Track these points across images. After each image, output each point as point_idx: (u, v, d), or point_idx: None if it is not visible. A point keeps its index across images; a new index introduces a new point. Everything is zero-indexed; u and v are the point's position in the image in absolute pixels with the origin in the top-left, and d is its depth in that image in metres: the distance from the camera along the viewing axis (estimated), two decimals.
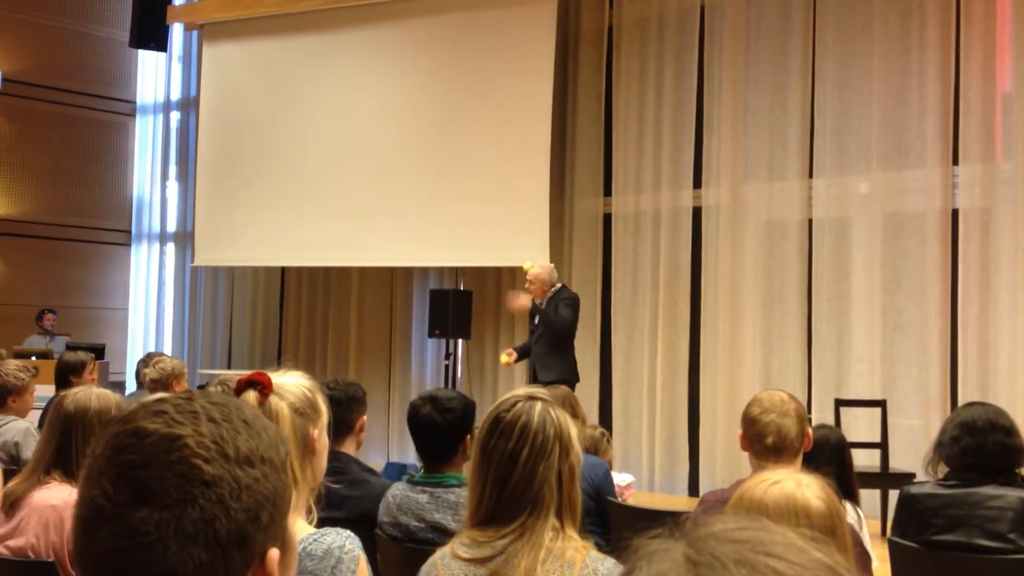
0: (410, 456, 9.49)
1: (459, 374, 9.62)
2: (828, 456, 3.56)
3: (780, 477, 2.03)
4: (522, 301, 7.71)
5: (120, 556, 0.93)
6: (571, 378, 7.37)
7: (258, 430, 1.01)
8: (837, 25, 7.95)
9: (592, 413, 8.35)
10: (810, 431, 3.11)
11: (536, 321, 7.57)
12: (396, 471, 7.77)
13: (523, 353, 7.84)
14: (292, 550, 1.06)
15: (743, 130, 8.37)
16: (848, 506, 3.40)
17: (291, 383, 2.13)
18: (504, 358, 7.81)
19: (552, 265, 7.86)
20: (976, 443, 3.35)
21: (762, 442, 2.98)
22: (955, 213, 7.42)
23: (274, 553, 0.98)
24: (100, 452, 0.98)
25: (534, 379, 7.30)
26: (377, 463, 8.30)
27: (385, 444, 10.30)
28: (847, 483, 3.57)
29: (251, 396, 2.03)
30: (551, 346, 7.45)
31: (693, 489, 8.38)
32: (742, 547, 0.71)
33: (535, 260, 8.67)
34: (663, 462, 8.57)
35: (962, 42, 7.40)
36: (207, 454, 0.96)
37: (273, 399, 2.04)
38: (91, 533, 0.95)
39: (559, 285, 7.69)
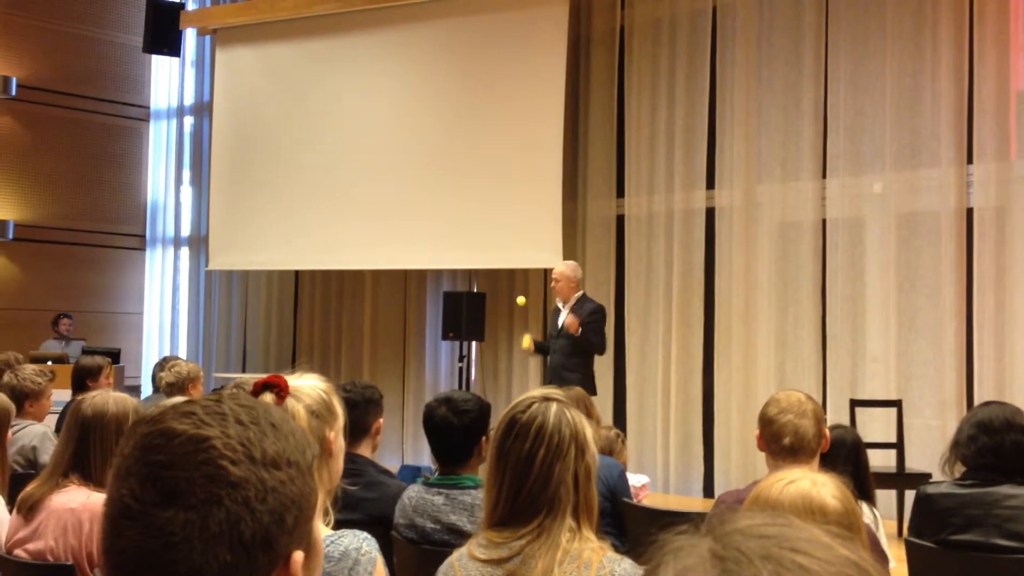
0: (425, 459, 9.50)
1: (473, 376, 9.63)
2: (844, 457, 3.55)
3: (796, 476, 2.03)
4: (527, 346, 7.74)
5: (146, 555, 0.94)
6: (589, 392, 7.38)
7: (285, 433, 1.02)
8: (850, 25, 7.93)
9: (606, 414, 8.35)
10: (827, 432, 3.11)
11: (560, 326, 7.52)
12: (411, 474, 7.79)
13: (542, 349, 7.84)
14: (317, 553, 1.06)
15: (756, 131, 8.36)
16: (864, 507, 3.39)
17: (307, 385, 2.14)
18: (526, 340, 7.73)
19: (575, 263, 7.85)
20: (993, 442, 3.34)
21: (779, 442, 2.98)
22: (970, 212, 7.39)
23: (298, 556, 0.99)
24: (129, 452, 0.99)
25: None
26: (392, 465, 8.31)
27: (400, 447, 10.32)
28: (863, 483, 3.56)
29: (267, 399, 2.03)
30: (571, 359, 7.39)
31: (708, 490, 8.37)
32: (768, 543, 0.71)
33: (548, 263, 8.69)
34: (678, 463, 8.56)
35: (976, 40, 7.37)
36: (234, 456, 0.97)
37: (290, 401, 2.04)
38: (119, 531, 0.96)
39: (581, 291, 7.67)
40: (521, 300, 8.01)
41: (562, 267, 7.64)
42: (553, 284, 7.61)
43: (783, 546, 0.70)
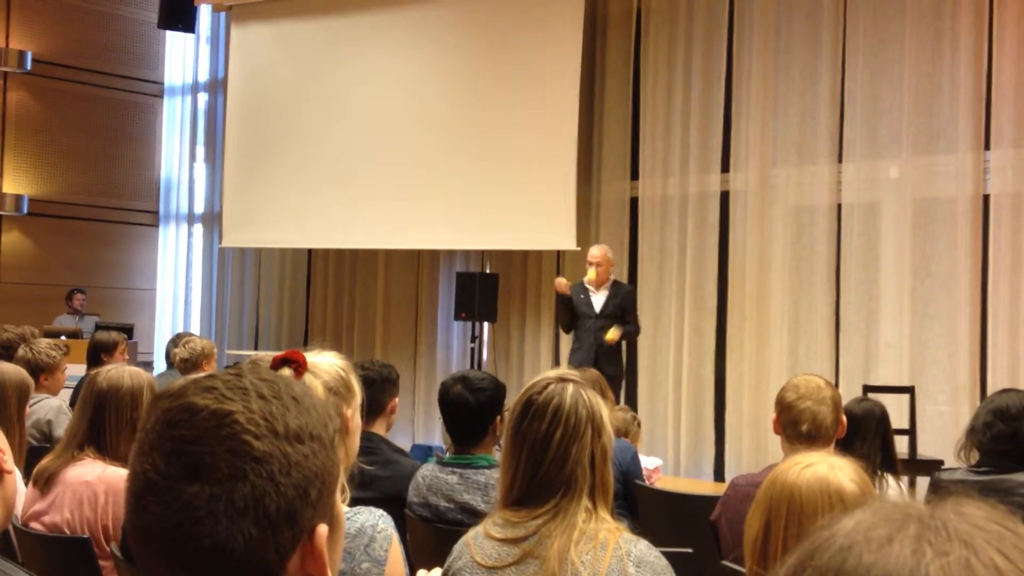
0: (436, 439, 9.52)
1: (485, 357, 9.63)
2: (874, 429, 3.55)
3: (813, 460, 2.02)
4: (564, 286, 7.67)
5: (172, 529, 0.94)
6: (620, 370, 7.68)
7: (307, 407, 1.02)
8: (869, 8, 7.87)
9: (618, 397, 8.34)
10: (844, 419, 3.10)
11: (599, 311, 7.52)
12: (422, 453, 7.81)
13: (567, 317, 7.78)
14: (340, 526, 1.07)
15: (772, 114, 8.31)
16: (890, 479, 3.40)
17: (326, 362, 2.15)
18: (563, 283, 7.68)
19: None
20: (1010, 430, 3.33)
21: (796, 428, 2.97)
22: (986, 199, 7.35)
23: (323, 529, 0.99)
24: (151, 426, 0.99)
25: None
26: (403, 445, 8.33)
27: (411, 426, 10.34)
28: (891, 456, 3.57)
29: (286, 374, 2.03)
30: (611, 351, 7.53)
31: (719, 474, 8.37)
32: (977, 533, 0.68)
33: (561, 245, 8.68)
34: (689, 446, 8.56)
35: (995, 26, 7.32)
36: (257, 430, 0.97)
37: (308, 377, 2.05)
38: (144, 506, 0.96)
39: (612, 276, 7.72)
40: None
41: (600, 251, 7.64)
42: (596, 268, 7.54)
43: (990, 542, 0.68)
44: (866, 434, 3.46)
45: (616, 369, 7.46)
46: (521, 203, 8.96)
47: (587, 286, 7.63)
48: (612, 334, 7.35)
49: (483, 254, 10.07)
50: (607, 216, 9.26)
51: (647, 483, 4.47)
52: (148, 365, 11.03)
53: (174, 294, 12.88)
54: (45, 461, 3.20)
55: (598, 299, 7.56)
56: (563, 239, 8.69)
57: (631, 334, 7.73)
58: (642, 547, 2.04)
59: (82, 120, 12.37)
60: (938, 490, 3.46)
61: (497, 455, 3.11)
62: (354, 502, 2.10)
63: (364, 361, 3.45)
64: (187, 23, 11.69)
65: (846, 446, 3.18)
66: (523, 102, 9.06)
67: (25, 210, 11.91)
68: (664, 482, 6.27)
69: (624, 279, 8.91)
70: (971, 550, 0.67)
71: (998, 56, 7.29)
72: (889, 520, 0.70)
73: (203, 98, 12.75)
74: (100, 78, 12.52)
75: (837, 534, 0.71)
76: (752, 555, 2.00)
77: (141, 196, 12.88)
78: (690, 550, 2.93)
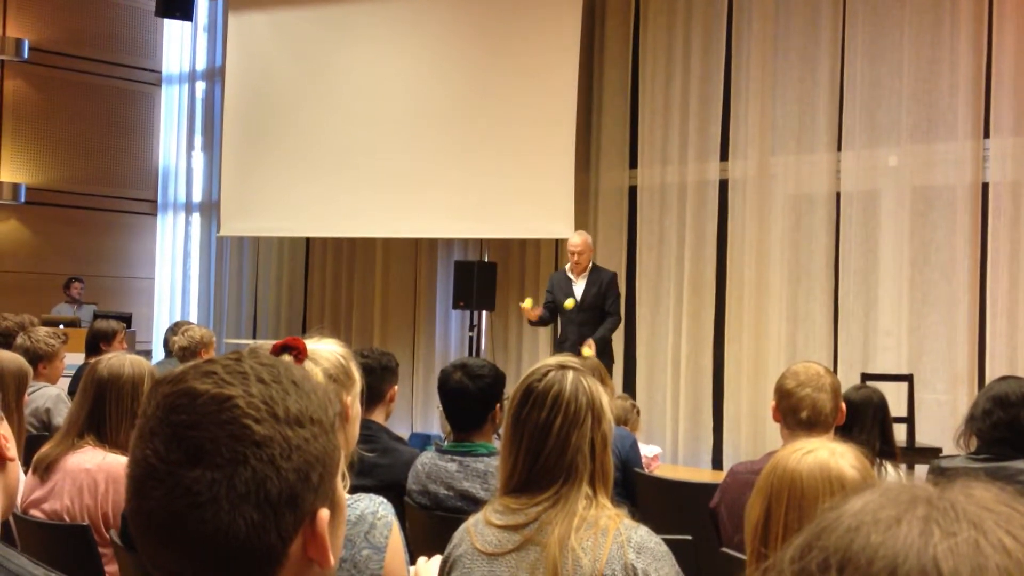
0: (434, 427, 9.53)
1: (483, 346, 9.63)
2: (872, 416, 3.55)
3: (814, 446, 2.02)
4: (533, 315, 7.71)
5: (173, 515, 0.94)
6: (610, 360, 7.64)
7: (307, 391, 1.01)
8: None
9: (616, 385, 8.35)
10: (843, 406, 3.10)
11: (580, 300, 7.54)
12: (420, 442, 7.81)
13: (543, 321, 7.84)
14: (341, 510, 1.06)
15: (771, 102, 8.30)
16: (889, 466, 3.40)
17: (326, 350, 2.15)
18: (529, 302, 7.67)
19: (585, 231, 7.91)
20: (1009, 417, 3.33)
21: (796, 415, 2.98)
22: (985, 187, 7.35)
23: (324, 513, 0.99)
24: (152, 412, 0.98)
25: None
26: (401, 433, 8.33)
27: (409, 415, 10.34)
28: (890, 443, 3.57)
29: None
30: (596, 329, 7.54)
31: (717, 462, 8.38)
32: (986, 515, 0.68)
33: (559, 233, 8.66)
34: (687, 435, 8.57)
35: (995, 14, 7.30)
36: (257, 414, 0.96)
37: (308, 364, 2.04)
38: (145, 492, 0.96)
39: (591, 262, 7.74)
40: (528, 302, 7.79)
41: (580, 238, 7.65)
42: (576, 258, 7.58)
43: (999, 523, 0.67)
44: (865, 421, 3.46)
45: (605, 357, 7.45)
46: (519, 192, 8.94)
47: (569, 275, 7.66)
48: (587, 351, 7.07)
49: (481, 243, 10.06)
50: (605, 204, 9.26)
51: (646, 471, 4.48)
52: (147, 354, 11.01)
53: (172, 283, 12.87)
54: (45, 449, 3.20)
55: (579, 288, 7.57)
56: (561, 228, 8.67)
57: (609, 332, 7.60)
58: (642, 533, 2.04)
59: (80, 108, 12.34)
60: (939, 475, 3.46)
61: (496, 443, 3.11)
62: (353, 490, 2.09)
63: (363, 349, 3.44)
64: (185, 11, 11.65)
65: (845, 433, 3.18)
66: (522, 90, 9.04)
67: (23, 199, 11.89)
68: (662, 470, 6.27)
69: (622, 268, 8.92)
70: (980, 531, 0.66)
71: (998, 44, 7.27)
72: (897, 501, 0.70)
73: (201, 87, 12.72)
74: (98, 66, 12.48)
75: (844, 515, 0.70)
76: (753, 541, 2.00)
77: (139, 185, 12.85)
78: (689, 537, 2.93)
